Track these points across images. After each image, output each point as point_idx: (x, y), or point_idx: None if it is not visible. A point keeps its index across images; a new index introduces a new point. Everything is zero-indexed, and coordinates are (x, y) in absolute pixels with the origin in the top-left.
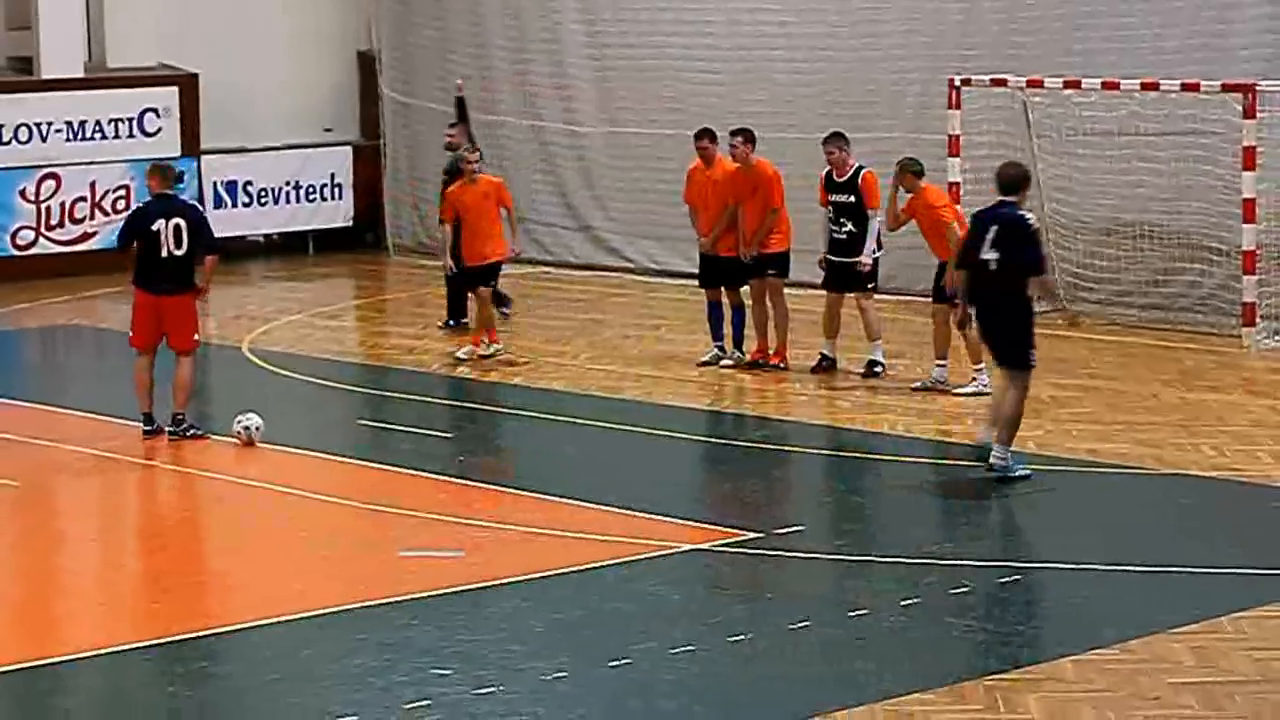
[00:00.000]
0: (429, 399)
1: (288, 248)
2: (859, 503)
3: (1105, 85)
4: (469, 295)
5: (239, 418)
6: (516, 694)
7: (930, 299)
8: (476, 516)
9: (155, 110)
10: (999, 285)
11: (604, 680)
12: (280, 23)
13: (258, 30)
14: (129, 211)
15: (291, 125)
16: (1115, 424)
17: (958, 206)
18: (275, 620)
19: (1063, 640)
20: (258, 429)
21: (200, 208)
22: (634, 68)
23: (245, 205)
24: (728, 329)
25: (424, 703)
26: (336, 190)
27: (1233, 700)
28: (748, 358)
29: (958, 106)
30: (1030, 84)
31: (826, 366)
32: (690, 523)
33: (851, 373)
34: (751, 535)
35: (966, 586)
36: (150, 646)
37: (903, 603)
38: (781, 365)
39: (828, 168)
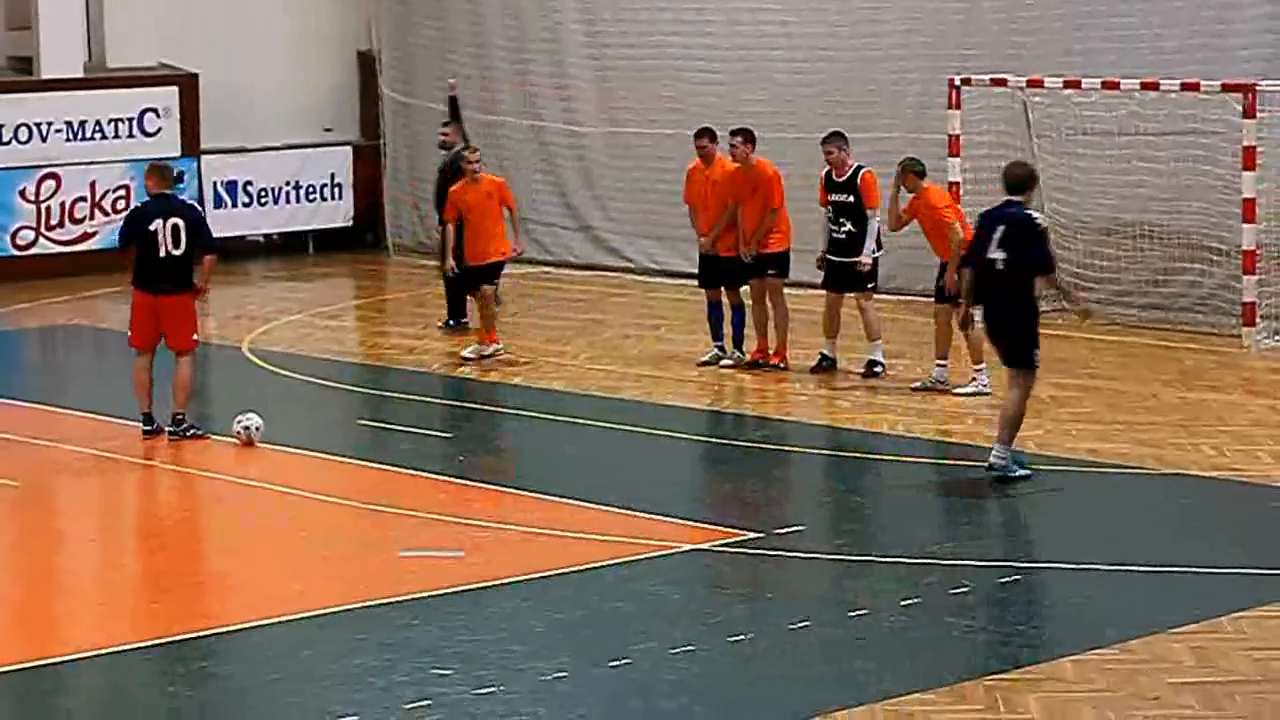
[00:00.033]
0: (429, 399)
1: (288, 248)
2: (859, 503)
3: (1105, 85)
4: (468, 295)
5: (239, 418)
6: (516, 694)
7: (932, 299)
8: (476, 516)
9: (155, 110)
10: (1005, 285)
11: (604, 680)
12: (280, 23)
13: (258, 30)
14: (127, 211)
15: (291, 125)
16: (1115, 424)
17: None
18: (275, 620)
19: (1063, 640)
20: (258, 429)
21: (198, 207)
22: (634, 68)
23: (245, 205)
24: (728, 329)
25: (424, 703)
26: (336, 190)
27: (1233, 700)
28: (748, 358)
29: (958, 106)
30: (1030, 84)
31: (826, 366)
32: (690, 523)
33: (851, 373)
34: (751, 535)
35: (966, 586)
36: (150, 646)
37: (903, 603)
38: (781, 365)
39: (827, 167)
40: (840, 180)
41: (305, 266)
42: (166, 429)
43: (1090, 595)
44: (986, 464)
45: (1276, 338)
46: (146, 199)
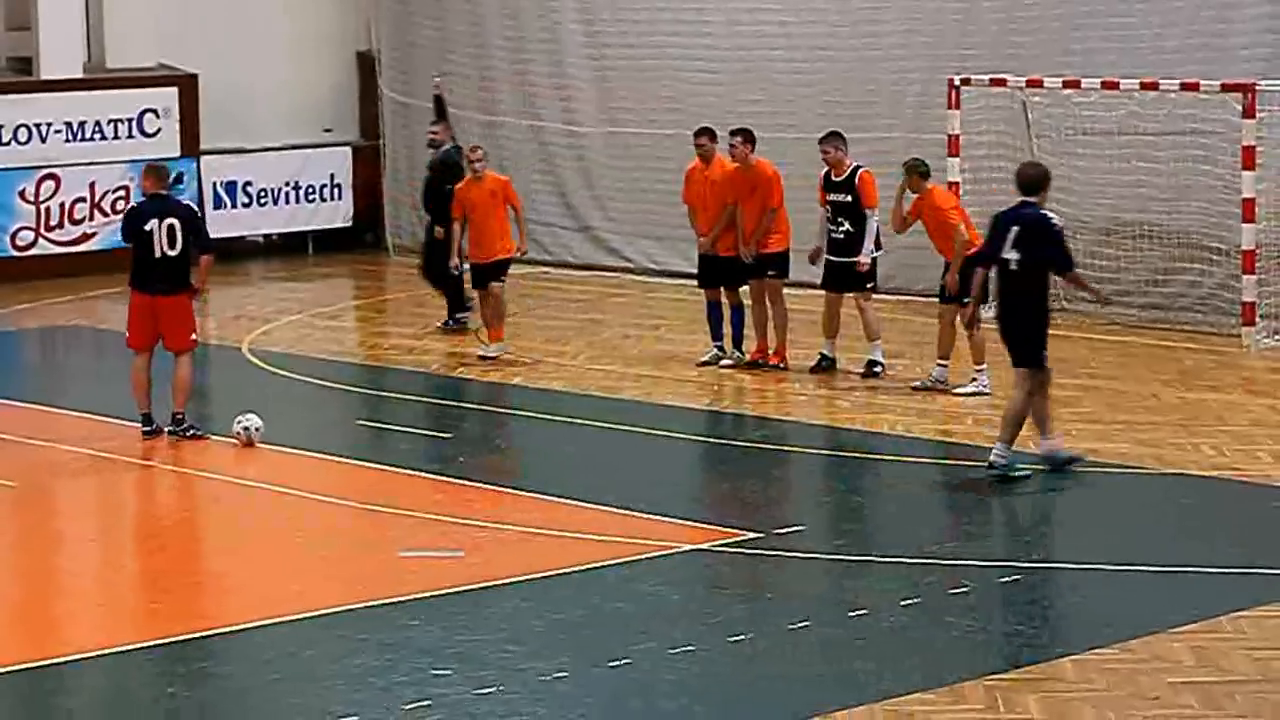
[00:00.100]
0: (428, 399)
1: (288, 248)
2: (859, 503)
3: (1105, 85)
4: (477, 294)
5: (239, 418)
6: (516, 694)
7: (935, 299)
8: (476, 516)
9: (155, 111)
10: (1018, 285)
11: (604, 680)
12: (280, 23)
13: (258, 30)
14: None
15: (291, 125)
16: (1115, 424)
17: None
18: (276, 621)
19: (1063, 640)
20: (257, 429)
21: (194, 207)
22: (633, 68)
23: (245, 206)
24: (727, 329)
25: (424, 703)
26: (336, 190)
27: (1233, 700)
28: (747, 358)
29: (957, 106)
30: (1030, 84)
31: (826, 366)
32: (690, 523)
33: (851, 373)
34: (751, 535)
35: (966, 586)
36: (151, 647)
37: (903, 603)
38: (781, 365)
39: (826, 167)
40: (838, 180)
41: (305, 267)
42: (166, 429)
43: (1090, 595)
44: (987, 462)
45: (1276, 337)
46: (142, 199)
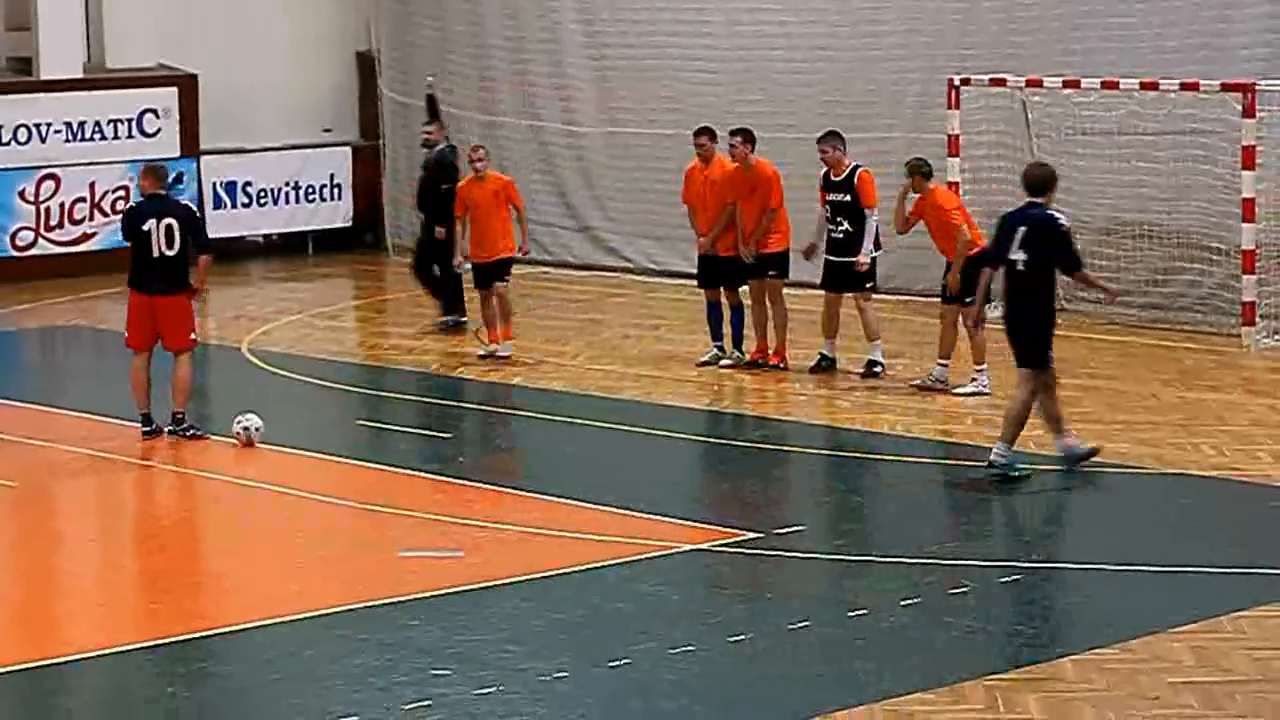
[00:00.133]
0: (428, 399)
1: (287, 248)
2: (859, 503)
3: (1104, 85)
4: (480, 293)
5: (238, 418)
6: (516, 694)
7: (936, 298)
8: (476, 516)
9: (154, 111)
10: (1026, 286)
11: (604, 680)
12: (280, 23)
13: (258, 30)
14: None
15: (291, 125)
16: (1115, 424)
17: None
18: (275, 621)
19: (1063, 640)
20: (257, 429)
21: (192, 207)
22: (633, 68)
23: (245, 206)
24: (727, 329)
25: (424, 703)
26: (336, 190)
27: (1233, 700)
28: (747, 358)
29: (957, 106)
30: (1029, 83)
31: (826, 366)
32: (690, 523)
33: (851, 373)
34: (751, 535)
35: (966, 586)
36: (151, 647)
37: (903, 603)
38: (781, 365)
39: (825, 167)
40: (837, 180)
41: (305, 267)
42: (166, 429)
43: (1090, 595)
44: (987, 462)
45: (1276, 337)
46: (140, 199)
